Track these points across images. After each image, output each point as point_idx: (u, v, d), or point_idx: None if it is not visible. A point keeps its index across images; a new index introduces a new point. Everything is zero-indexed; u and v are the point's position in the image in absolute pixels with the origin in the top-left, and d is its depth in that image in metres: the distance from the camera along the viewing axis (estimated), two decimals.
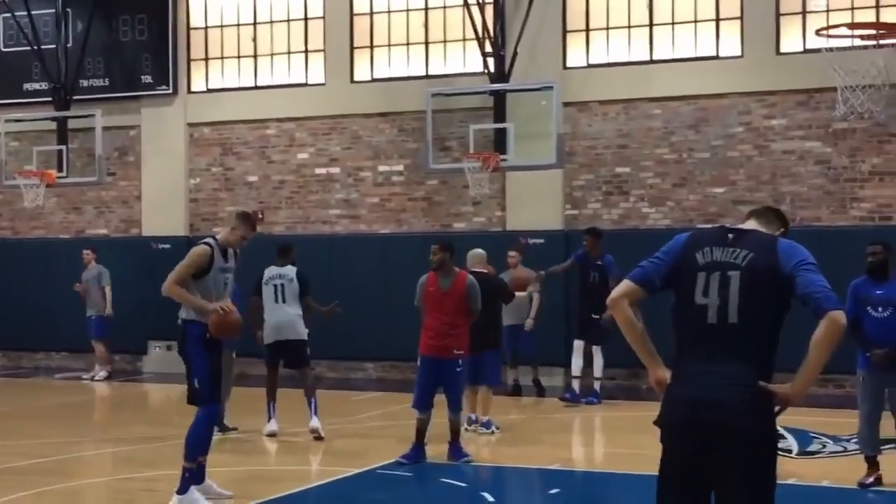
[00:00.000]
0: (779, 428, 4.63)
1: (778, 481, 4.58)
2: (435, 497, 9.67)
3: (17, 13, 19.09)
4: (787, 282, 4.50)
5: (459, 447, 10.54)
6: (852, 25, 11.79)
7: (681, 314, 4.67)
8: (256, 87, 18.97)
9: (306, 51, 18.67)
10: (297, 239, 15.78)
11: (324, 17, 18.45)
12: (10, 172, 18.15)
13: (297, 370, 12.09)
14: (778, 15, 15.96)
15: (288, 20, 18.80)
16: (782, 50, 15.93)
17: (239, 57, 19.13)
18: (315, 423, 11.68)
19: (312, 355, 12.23)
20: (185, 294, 8.38)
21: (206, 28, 19.31)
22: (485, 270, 12.07)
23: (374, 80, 18.17)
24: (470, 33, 16.75)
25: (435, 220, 17.71)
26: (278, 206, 18.70)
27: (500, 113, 15.96)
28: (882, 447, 9.38)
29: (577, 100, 16.65)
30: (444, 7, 17.66)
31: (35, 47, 18.92)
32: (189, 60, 19.33)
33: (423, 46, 17.89)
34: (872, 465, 9.28)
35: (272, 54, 18.91)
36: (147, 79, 19.24)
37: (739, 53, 16.18)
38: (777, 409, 4.52)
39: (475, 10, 16.43)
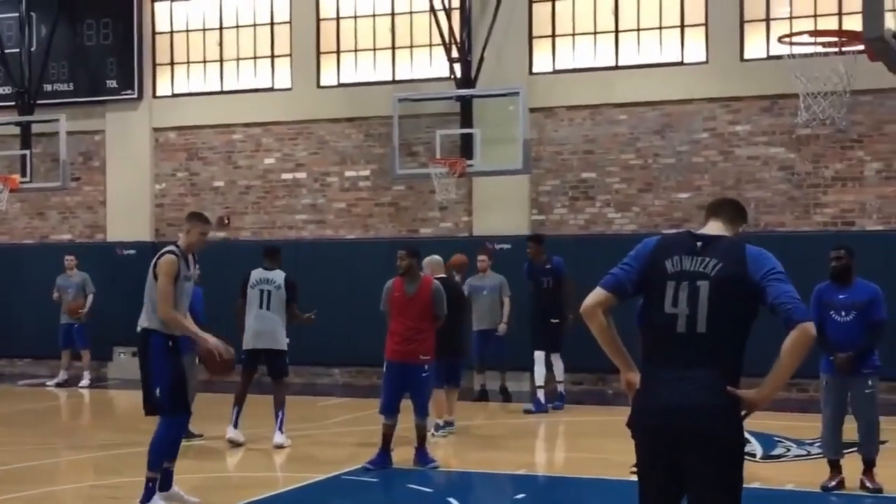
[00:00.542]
0: (744, 432, 4.70)
1: (743, 485, 4.65)
2: (401, 503, 9.66)
3: None
4: (756, 290, 4.58)
5: (426, 453, 10.53)
6: (815, 33, 11.87)
7: (649, 321, 4.74)
8: (222, 92, 18.91)
9: (272, 55, 18.63)
10: (264, 245, 15.69)
11: (290, 22, 18.42)
12: None
13: (273, 381, 12.03)
14: (742, 22, 16.09)
15: (254, 25, 18.75)
16: (746, 56, 16.06)
17: (205, 61, 19.06)
18: (279, 439, 11.61)
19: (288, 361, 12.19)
20: (184, 322, 8.35)
21: (172, 32, 19.22)
22: (445, 276, 12.09)
23: (340, 86, 18.16)
24: (436, 39, 16.78)
25: (402, 226, 17.71)
26: (244, 212, 18.64)
27: (466, 118, 15.99)
28: (844, 451, 9.46)
29: (544, 105, 16.72)
30: (411, 12, 17.68)
31: None
32: (154, 65, 19.24)
33: (389, 52, 17.90)
34: (835, 468, 9.36)
35: (238, 59, 18.85)
36: (112, 83, 19.13)
37: (704, 60, 16.29)
38: (743, 413, 4.63)
39: (441, 16, 16.46)
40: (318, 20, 18.27)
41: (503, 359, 15.38)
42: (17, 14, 19.19)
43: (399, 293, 10.48)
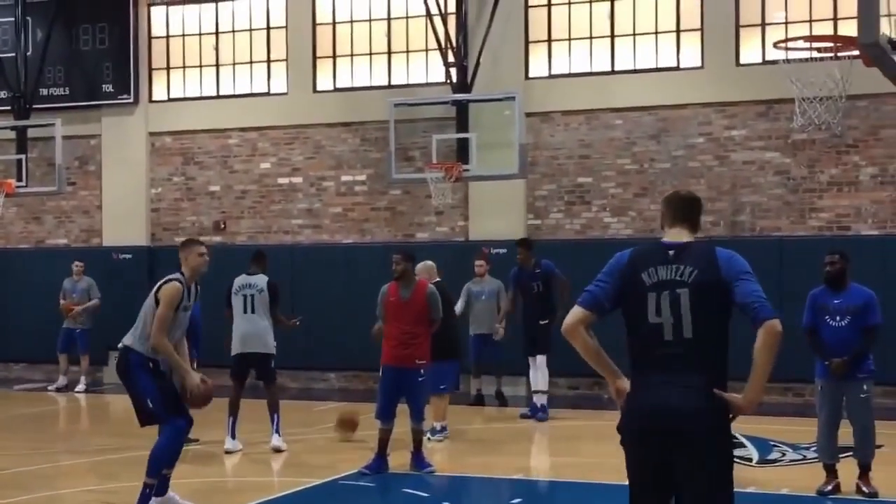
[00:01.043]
0: (739, 436, 4.77)
1: (738, 489, 4.76)
2: None
3: None
4: (727, 289, 4.75)
5: (422, 457, 10.54)
6: (810, 38, 11.89)
7: (635, 332, 4.87)
8: (218, 97, 18.92)
9: (268, 60, 18.64)
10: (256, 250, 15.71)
11: (286, 27, 18.43)
12: None
13: (264, 384, 12.02)
14: (738, 27, 16.12)
15: (250, 29, 18.76)
16: (742, 61, 16.09)
17: (201, 66, 19.06)
18: (276, 441, 11.62)
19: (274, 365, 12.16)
20: (173, 354, 8.33)
21: (168, 37, 19.23)
22: (439, 280, 12.08)
23: (336, 90, 18.17)
24: (432, 44, 16.80)
25: (398, 230, 17.72)
26: (240, 216, 18.64)
27: (462, 123, 16.02)
28: (840, 455, 9.47)
29: (540, 110, 16.73)
30: (407, 17, 17.69)
31: None
32: (150, 69, 19.24)
33: (385, 56, 17.91)
34: (831, 472, 9.37)
35: (234, 63, 18.85)
36: (108, 88, 19.12)
37: (700, 64, 16.32)
38: (731, 416, 4.76)
39: (438, 21, 16.48)
40: (315, 25, 18.29)
41: (499, 363, 15.38)
42: (13, 18, 19.19)
43: (394, 298, 10.50)
